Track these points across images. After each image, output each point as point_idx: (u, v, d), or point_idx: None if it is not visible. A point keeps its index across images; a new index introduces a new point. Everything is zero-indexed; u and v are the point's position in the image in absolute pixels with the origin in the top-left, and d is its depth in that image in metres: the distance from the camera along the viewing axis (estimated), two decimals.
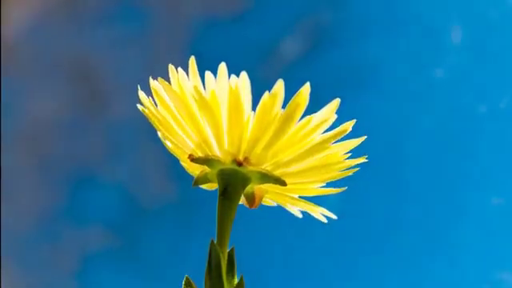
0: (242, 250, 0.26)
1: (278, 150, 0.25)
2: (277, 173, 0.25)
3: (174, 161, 0.27)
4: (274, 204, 0.28)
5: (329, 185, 0.26)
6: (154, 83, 0.25)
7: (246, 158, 0.25)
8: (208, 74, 0.25)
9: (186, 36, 0.87)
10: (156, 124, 0.26)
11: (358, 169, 0.26)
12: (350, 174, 0.26)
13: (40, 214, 0.85)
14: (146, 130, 0.27)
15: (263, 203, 0.28)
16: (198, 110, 0.25)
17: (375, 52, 0.79)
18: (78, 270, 0.83)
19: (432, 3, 0.80)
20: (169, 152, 0.27)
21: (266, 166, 0.25)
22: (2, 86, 0.85)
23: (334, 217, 0.27)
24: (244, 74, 0.24)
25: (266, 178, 0.25)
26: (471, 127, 0.77)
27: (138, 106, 0.26)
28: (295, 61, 0.82)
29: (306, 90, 0.24)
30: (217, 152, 0.25)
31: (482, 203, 0.75)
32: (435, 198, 0.76)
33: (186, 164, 0.27)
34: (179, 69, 0.25)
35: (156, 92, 0.25)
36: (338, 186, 0.27)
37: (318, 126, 0.24)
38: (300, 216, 0.28)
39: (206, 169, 0.26)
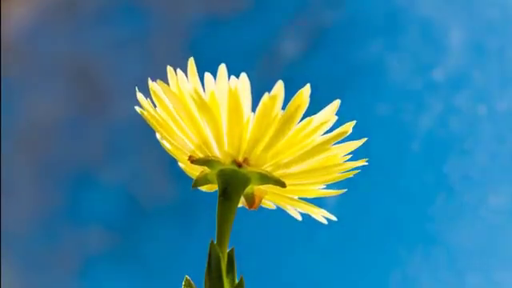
0: (242, 250, 0.26)
1: (278, 151, 0.25)
2: (277, 174, 0.25)
3: (174, 161, 0.27)
4: (274, 207, 0.28)
5: (329, 186, 0.27)
6: (152, 85, 0.26)
7: (245, 159, 0.25)
8: (207, 76, 0.25)
9: (186, 36, 0.87)
10: (155, 126, 0.26)
11: (358, 171, 0.26)
12: (351, 176, 0.26)
13: (40, 214, 0.85)
14: (147, 131, 0.27)
15: (263, 205, 0.28)
16: (198, 112, 0.25)
17: (375, 53, 0.79)
18: (78, 270, 0.83)
19: (432, 4, 0.80)
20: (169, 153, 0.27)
21: (266, 167, 0.25)
22: (1, 86, 0.85)
23: (334, 218, 0.27)
24: (244, 76, 0.24)
25: (266, 178, 0.25)
26: (471, 128, 0.77)
27: (136, 108, 0.26)
28: (295, 61, 0.82)
29: (306, 91, 0.24)
30: (217, 153, 0.25)
31: (481, 204, 0.75)
32: (435, 199, 0.76)
33: (185, 165, 0.27)
34: (178, 70, 0.25)
35: (155, 93, 0.25)
36: (338, 188, 0.27)
37: (318, 128, 0.24)
38: (299, 219, 0.28)
39: (206, 169, 0.26)
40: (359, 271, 0.76)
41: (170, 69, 0.25)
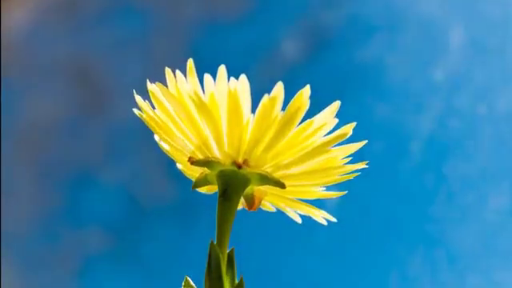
0: (242, 251, 0.26)
1: (278, 152, 0.25)
2: (277, 175, 0.25)
3: (173, 162, 0.27)
4: (274, 210, 0.28)
5: (329, 188, 0.27)
6: (151, 86, 0.25)
7: (245, 161, 0.25)
8: (207, 77, 0.25)
9: (186, 37, 0.87)
10: (154, 127, 0.26)
11: (358, 173, 0.26)
12: (351, 178, 0.26)
13: (40, 214, 0.85)
14: (146, 131, 0.27)
15: (263, 208, 0.28)
16: (197, 113, 0.25)
17: (375, 53, 0.79)
18: (78, 270, 0.83)
19: (432, 4, 0.80)
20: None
21: (266, 168, 0.25)
22: (1, 86, 0.85)
23: (334, 220, 0.27)
24: (243, 77, 0.24)
25: (266, 179, 0.25)
26: (471, 128, 0.77)
27: (135, 110, 0.26)
28: (295, 62, 0.82)
29: (305, 92, 0.24)
30: (217, 154, 0.25)
31: (481, 204, 0.75)
32: (435, 199, 0.76)
33: (183, 166, 0.27)
34: (177, 71, 0.25)
35: (153, 95, 0.25)
36: (339, 190, 0.27)
37: (318, 129, 0.24)
38: (299, 221, 0.28)
39: (206, 170, 0.26)
40: (359, 272, 0.76)
41: (168, 70, 0.25)
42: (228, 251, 0.25)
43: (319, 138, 0.25)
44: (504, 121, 0.76)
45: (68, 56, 0.89)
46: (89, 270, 0.83)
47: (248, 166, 0.25)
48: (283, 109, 0.24)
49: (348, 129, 0.25)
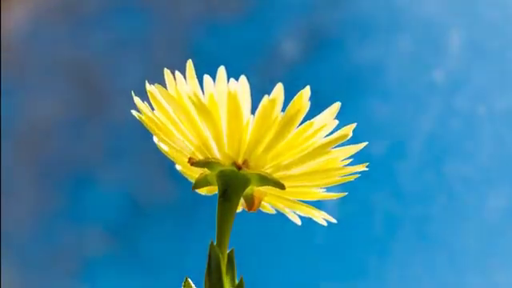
0: (242, 251, 0.26)
1: (278, 153, 0.25)
2: (277, 175, 0.25)
3: (173, 162, 0.27)
4: (274, 211, 0.28)
5: (329, 189, 0.27)
6: (150, 87, 0.25)
7: (245, 161, 0.25)
8: (207, 78, 0.25)
9: (186, 37, 0.87)
10: (153, 129, 0.26)
11: (358, 175, 0.26)
12: (351, 179, 0.26)
13: (40, 214, 0.85)
14: (146, 131, 0.27)
15: (262, 210, 0.28)
16: (197, 115, 0.25)
17: (375, 54, 0.79)
18: (78, 270, 0.83)
19: (432, 5, 0.80)
20: None
21: (266, 169, 0.25)
22: (1, 87, 0.85)
23: (334, 220, 0.27)
24: (243, 79, 0.24)
25: (266, 180, 0.25)
26: (471, 128, 0.77)
27: (133, 112, 0.26)
28: (295, 62, 0.82)
29: (305, 93, 0.24)
30: (217, 154, 0.25)
31: (481, 204, 0.75)
32: (435, 200, 0.76)
33: (182, 167, 0.27)
34: (177, 72, 0.25)
35: (153, 96, 0.25)
36: (339, 191, 0.27)
37: (318, 130, 0.24)
38: (299, 223, 0.28)
39: (206, 171, 0.26)
40: (359, 272, 0.76)
41: (167, 72, 0.25)
42: (228, 252, 0.25)
43: (319, 139, 0.25)
44: (504, 121, 0.76)
45: (68, 56, 0.89)
46: (88, 270, 0.83)
47: (248, 166, 0.25)
48: (283, 108, 0.24)
49: (348, 130, 0.25)
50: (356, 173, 0.26)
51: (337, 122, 0.25)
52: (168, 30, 0.88)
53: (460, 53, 0.78)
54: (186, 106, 0.25)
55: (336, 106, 0.25)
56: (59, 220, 0.85)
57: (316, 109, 0.24)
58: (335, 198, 0.27)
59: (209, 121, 0.24)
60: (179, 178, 0.28)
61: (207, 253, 0.25)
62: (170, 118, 0.25)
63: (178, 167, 0.27)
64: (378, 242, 0.76)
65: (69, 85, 0.89)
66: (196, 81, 0.25)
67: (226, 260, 0.25)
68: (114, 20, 0.88)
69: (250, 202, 0.26)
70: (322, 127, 0.24)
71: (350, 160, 0.25)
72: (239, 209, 0.27)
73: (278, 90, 0.24)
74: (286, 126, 0.24)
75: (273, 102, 0.24)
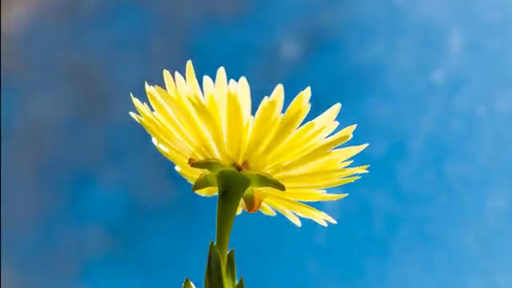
0: (242, 252, 0.26)
1: (278, 153, 0.25)
2: (277, 176, 0.25)
3: (173, 163, 0.27)
4: (274, 213, 0.28)
5: (330, 190, 0.27)
6: (149, 88, 0.25)
7: (245, 162, 0.25)
8: (206, 79, 0.25)
9: (185, 37, 0.87)
10: (152, 130, 0.26)
11: (358, 177, 0.26)
12: (351, 181, 0.26)
13: (40, 214, 0.85)
14: (146, 132, 0.27)
15: (263, 212, 0.28)
16: (197, 116, 0.25)
17: (375, 55, 0.79)
18: (78, 270, 0.83)
19: (432, 6, 0.80)
20: None
21: (266, 170, 0.25)
22: (1, 87, 0.85)
23: (334, 221, 0.27)
24: (243, 80, 0.24)
25: (266, 180, 0.25)
26: (471, 129, 0.77)
27: (132, 113, 0.26)
28: (295, 62, 0.82)
29: (306, 94, 0.24)
30: (217, 155, 0.25)
31: (481, 205, 0.75)
32: (435, 200, 0.76)
33: (182, 168, 0.27)
34: (176, 73, 0.25)
35: (152, 98, 0.25)
36: (339, 192, 0.27)
37: (318, 131, 0.24)
38: (299, 224, 0.28)
39: (206, 172, 0.26)
40: (359, 272, 0.76)
41: (166, 73, 0.25)
42: (228, 252, 0.25)
43: (320, 141, 0.25)
44: (504, 121, 0.76)
45: (68, 56, 0.89)
46: (89, 270, 0.83)
47: (248, 167, 0.25)
48: (283, 109, 0.24)
49: (348, 131, 0.25)
50: (356, 174, 0.26)
51: (337, 123, 0.25)
52: (168, 31, 0.88)
53: (460, 53, 0.78)
54: (185, 107, 0.25)
55: (336, 107, 0.25)
56: (59, 220, 0.85)
57: (315, 109, 0.24)
58: (335, 199, 0.27)
59: (209, 122, 0.24)
60: (179, 178, 0.28)
61: (207, 253, 0.25)
62: (170, 119, 0.25)
63: (178, 168, 0.27)
64: (377, 242, 0.76)
65: (69, 85, 0.89)
66: (196, 82, 0.25)
67: (226, 260, 0.25)
68: (114, 20, 0.88)
69: (250, 202, 0.26)
70: (323, 128, 0.24)
71: (351, 161, 0.25)
72: (239, 210, 0.27)
73: (278, 91, 0.24)
74: (286, 127, 0.24)
75: (273, 103, 0.24)
